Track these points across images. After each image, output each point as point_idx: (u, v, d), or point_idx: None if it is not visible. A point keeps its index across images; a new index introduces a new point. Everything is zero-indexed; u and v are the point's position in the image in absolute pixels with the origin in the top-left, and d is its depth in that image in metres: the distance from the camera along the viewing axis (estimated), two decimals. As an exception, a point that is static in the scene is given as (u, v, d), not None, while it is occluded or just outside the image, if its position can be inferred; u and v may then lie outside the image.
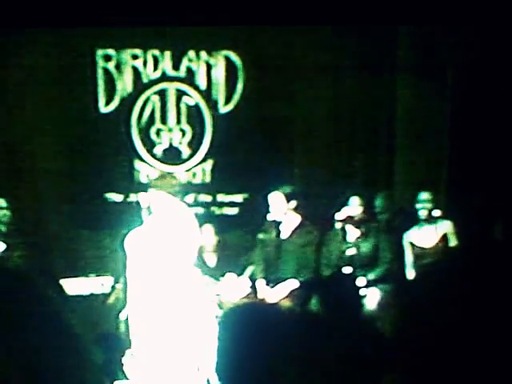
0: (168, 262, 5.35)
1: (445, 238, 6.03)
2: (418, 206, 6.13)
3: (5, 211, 6.38)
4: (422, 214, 6.09)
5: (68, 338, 1.36)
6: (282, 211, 5.79)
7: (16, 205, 6.53)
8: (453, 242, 6.01)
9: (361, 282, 5.54)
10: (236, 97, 7.26)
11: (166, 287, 5.35)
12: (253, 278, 5.94)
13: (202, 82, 7.27)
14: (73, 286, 6.15)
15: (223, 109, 7.30)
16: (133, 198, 7.07)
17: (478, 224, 6.06)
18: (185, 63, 7.24)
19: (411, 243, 6.12)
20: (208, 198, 7.36)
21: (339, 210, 5.96)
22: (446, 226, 6.06)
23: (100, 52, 7.17)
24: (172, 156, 7.35)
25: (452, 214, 6.12)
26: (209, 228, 6.71)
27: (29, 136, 7.16)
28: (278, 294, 5.72)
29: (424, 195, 6.16)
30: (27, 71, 7.04)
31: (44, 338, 1.32)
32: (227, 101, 7.28)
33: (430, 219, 6.09)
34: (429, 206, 6.10)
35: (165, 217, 5.44)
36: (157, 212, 5.47)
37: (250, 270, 6.03)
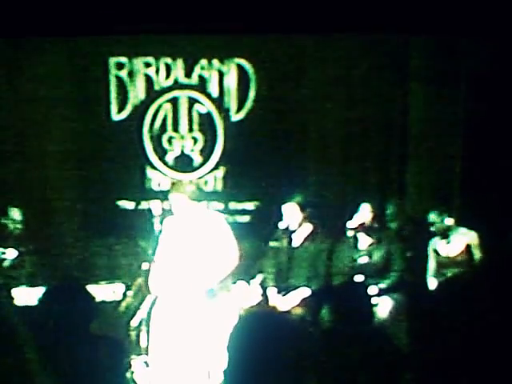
0: (195, 270, 5.42)
1: (468, 248, 6.00)
2: (432, 215, 6.11)
3: (17, 219, 6.41)
4: (437, 223, 6.07)
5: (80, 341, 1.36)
6: (297, 222, 5.79)
7: (28, 212, 6.56)
8: (476, 253, 5.98)
9: (373, 290, 5.52)
10: (248, 105, 7.26)
11: (187, 295, 5.38)
12: (264, 286, 5.93)
13: (214, 89, 7.28)
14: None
15: (235, 116, 7.30)
16: (144, 205, 7.08)
17: (492, 234, 6.02)
18: (197, 71, 7.25)
19: (435, 251, 6.10)
20: (220, 206, 7.35)
21: (351, 218, 5.94)
22: (469, 237, 6.02)
23: (113, 60, 7.20)
24: (184, 164, 7.35)
25: (466, 223, 6.08)
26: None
27: (41, 144, 7.19)
28: (289, 302, 5.71)
29: (438, 204, 6.13)
30: (40, 79, 7.08)
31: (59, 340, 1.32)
32: (239, 109, 7.28)
33: (445, 229, 6.06)
34: (443, 215, 6.07)
35: (195, 223, 5.51)
36: (185, 219, 5.53)
37: (261, 277, 6.02)
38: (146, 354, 5.38)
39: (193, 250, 5.49)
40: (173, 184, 5.84)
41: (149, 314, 5.47)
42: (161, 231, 5.52)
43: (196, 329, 5.34)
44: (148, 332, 5.42)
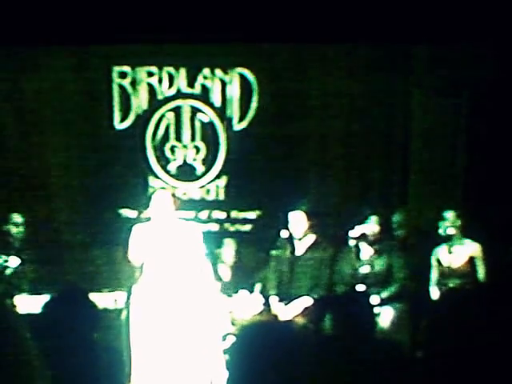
0: (175, 277, 5.40)
1: (471, 259, 5.98)
2: (435, 225, 6.10)
3: (19, 226, 6.41)
4: (440, 233, 6.06)
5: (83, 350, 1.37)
6: (302, 230, 5.79)
7: (30, 220, 6.56)
8: (479, 264, 5.95)
9: (375, 300, 5.51)
10: (250, 114, 7.28)
11: (175, 303, 5.35)
12: (266, 295, 5.92)
13: (216, 99, 7.30)
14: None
15: (237, 126, 7.32)
16: (147, 214, 7.08)
17: (496, 246, 6.01)
18: (200, 80, 7.27)
19: (438, 261, 6.08)
20: (222, 215, 7.36)
21: (353, 228, 5.94)
22: (472, 248, 6.00)
23: (116, 69, 7.23)
24: (186, 173, 7.37)
25: (470, 234, 6.05)
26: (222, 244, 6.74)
27: (44, 152, 7.21)
28: (291, 311, 5.70)
29: (441, 215, 6.12)
30: (43, 88, 7.10)
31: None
32: (241, 118, 7.30)
33: (448, 239, 6.05)
34: (446, 226, 6.05)
35: (169, 233, 5.50)
36: (161, 228, 5.53)
37: (263, 286, 6.02)
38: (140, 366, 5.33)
39: (171, 259, 5.46)
40: (156, 192, 5.81)
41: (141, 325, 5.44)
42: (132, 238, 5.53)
43: (185, 335, 5.31)
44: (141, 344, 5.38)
